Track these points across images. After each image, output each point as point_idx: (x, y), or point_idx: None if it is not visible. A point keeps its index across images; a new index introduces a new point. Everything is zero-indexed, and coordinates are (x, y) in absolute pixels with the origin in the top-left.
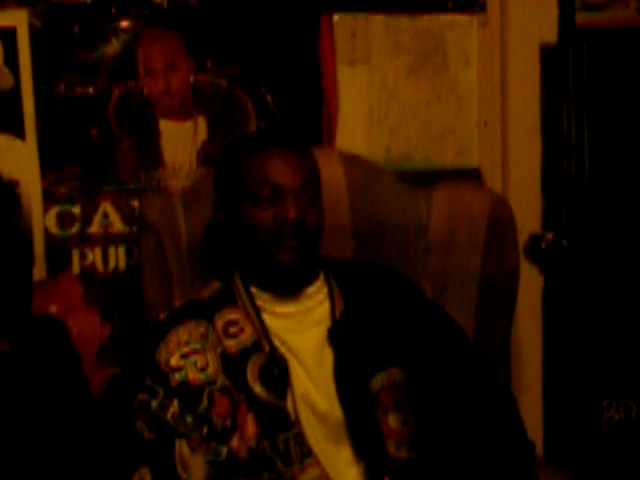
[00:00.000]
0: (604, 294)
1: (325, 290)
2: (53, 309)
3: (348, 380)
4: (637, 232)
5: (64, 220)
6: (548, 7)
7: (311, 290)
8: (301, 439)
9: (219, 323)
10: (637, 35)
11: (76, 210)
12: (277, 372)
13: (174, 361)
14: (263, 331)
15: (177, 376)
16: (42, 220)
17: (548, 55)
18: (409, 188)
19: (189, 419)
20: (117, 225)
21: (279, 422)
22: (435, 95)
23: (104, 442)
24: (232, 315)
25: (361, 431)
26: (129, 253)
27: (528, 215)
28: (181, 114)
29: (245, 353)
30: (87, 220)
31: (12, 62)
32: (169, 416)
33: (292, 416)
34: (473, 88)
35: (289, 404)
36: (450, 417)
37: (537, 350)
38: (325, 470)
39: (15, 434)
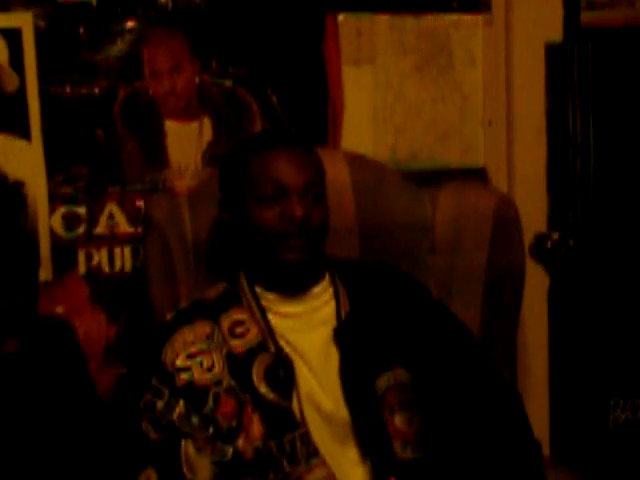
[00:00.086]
0: (610, 293)
1: (331, 290)
2: (59, 310)
3: (354, 380)
4: None
5: (70, 221)
6: (553, 6)
7: (317, 290)
8: (307, 439)
9: (225, 323)
10: None
11: (82, 211)
12: (282, 373)
13: (180, 361)
14: (268, 331)
15: (183, 376)
16: (48, 221)
17: (553, 54)
18: (414, 188)
19: (195, 419)
20: (123, 226)
21: (285, 422)
22: (440, 95)
23: (110, 443)
24: (238, 315)
25: (367, 431)
26: (135, 254)
27: (534, 214)
28: (186, 115)
29: (251, 353)
30: (93, 221)
31: (17, 63)
32: (175, 416)
33: (297, 416)
34: (478, 87)
35: (294, 404)
36: (457, 417)
37: (543, 350)
38: (331, 470)
39: (21, 434)
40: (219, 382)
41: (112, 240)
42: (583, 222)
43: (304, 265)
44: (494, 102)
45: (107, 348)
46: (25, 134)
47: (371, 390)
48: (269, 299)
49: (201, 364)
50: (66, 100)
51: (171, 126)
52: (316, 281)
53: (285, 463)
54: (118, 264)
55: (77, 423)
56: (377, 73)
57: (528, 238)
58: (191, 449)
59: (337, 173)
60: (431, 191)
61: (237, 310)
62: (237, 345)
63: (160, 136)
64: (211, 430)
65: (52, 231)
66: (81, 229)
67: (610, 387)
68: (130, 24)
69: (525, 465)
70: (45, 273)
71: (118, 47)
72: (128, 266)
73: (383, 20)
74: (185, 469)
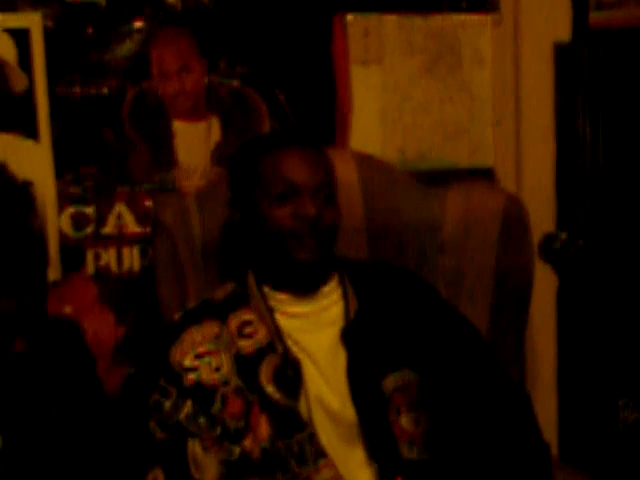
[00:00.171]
0: (619, 293)
1: (339, 290)
2: (68, 310)
3: (361, 380)
4: None
5: (78, 221)
6: (562, 6)
7: (325, 290)
8: (315, 440)
9: (233, 324)
10: None
11: (90, 211)
12: (290, 373)
13: (188, 361)
14: (276, 332)
15: (191, 376)
16: (56, 221)
17: (562, 54)
18: (423, 188)
19: (202, 420)
20: (131, 226)
21: (292, 423)
22: (449, 95)
23: (118, 443)
24: (246, 316)
25: (373, 432)
26: (143, 254)
27: (542, 214)
28: (195, 115)
29: (259, 354)
30: (101, 221)
31: (26, 63)
32: (182, 416)
33: (305, 417)
34: (487, 88)
35: (302, 405)
36: (465, 417)
37: (552, 350)
38: (339, 471)
39: (30, 434)
40: (227, 382)
41: (120, 240)
42: (591, 222)
43: (315, 265)
44: (502, 102)
45: (115, 348)
46: (34, 134)
47: (378, 390)
48: (278, 299)
49: (209, 364)
50: (75, 100)
51: (179, 126)
52: (326, 281)
53: (293, 463)
54: (126, 264)
55: (85, 423)
56: (385, 73)
57: (536, 238)
58: (198, 449)
59: (345, 173)
60: (439, 191)
61: (245, 310)
62: (245, 345)
63: (168, 136)
64: (218, 430)
65: (60, 231)
66: (89, 229)
67: (619, 387)
68: (138, 24)
69: (534, 466)
70: (53, 273)
71: (126, 47)
72: (136, 266)
73: (391, 20)
74: (192, 469)
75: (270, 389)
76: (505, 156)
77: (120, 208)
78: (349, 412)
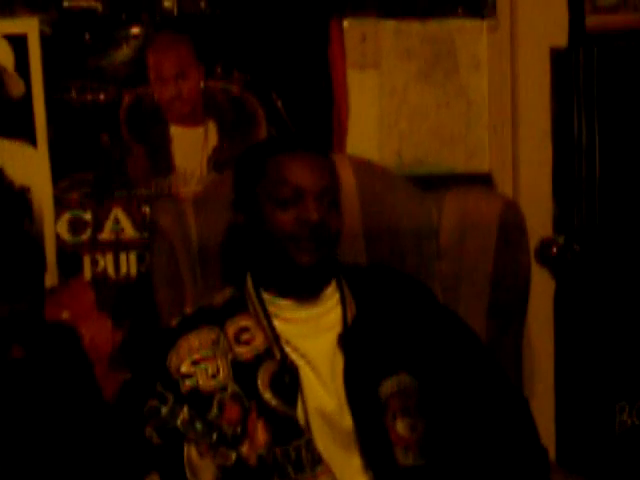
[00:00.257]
0: (616, 298)
1: (337, 295)
2: (65, 315)
3: (357, 385)
4: None
5: (75, 226)
6: (558, 11)
7: (324, 295)
8: (312, 446)
9: (230, 330)
10: None
11: (87, 216)
12: (288, 380)
13: (185, 367)
14: (274, 338)
15: (187, 382)
16: (53, 226)
17: (558, 59)
18: (420, 193)
19: (199, 425)
20: (128, 231)
21: (289, 430)
22: (445, 100)
23: (115, 448)
24: (244, 322)
25: (369, 438)
26: (140, 259)
27: (539, 219)
28: (192, 120)
29: (257, 360)
30: (98, 226)
31: (23, 69)
32: (179, 422)
33: (302, 423)
34: (483, 93)
35: (299, 411)
36: (463, 421)
37: (549, 354)
38: (336, 478)
39: (28, 439)
40: (224, 388)
41: (118, 245)
42: (588, 227)
43: (315, 269)
44: (499, 107)
45: (112, 353)
46: (31, 140)
47: (374, 396)
48: (279, 305)
49: (206, 370)
50: (72, 106)
51: (176, 131)
52: (325, 286)
53: (290, 470)
54: (124, 269)
55: (83, 429)
56: (382, 78)
57: (533, 243)
58: (194, 453)
59: (343, 178)
60: (436, 196)
61: (243, 316)
62: (243, 352)
63: (165, 141)
64: (215, 436)
65: (58, 236)
66: (87, 234)
67: (616, 391)
68: (135, 30)
69: (532, 471)
70: (51, 278)
71: (123, 53)
72: (134, 271)
73: (388, 25)
74: (188, 474)
75: (267, 395)
76: (502, 161)
77: (117, 213)
78: (346, 418)
